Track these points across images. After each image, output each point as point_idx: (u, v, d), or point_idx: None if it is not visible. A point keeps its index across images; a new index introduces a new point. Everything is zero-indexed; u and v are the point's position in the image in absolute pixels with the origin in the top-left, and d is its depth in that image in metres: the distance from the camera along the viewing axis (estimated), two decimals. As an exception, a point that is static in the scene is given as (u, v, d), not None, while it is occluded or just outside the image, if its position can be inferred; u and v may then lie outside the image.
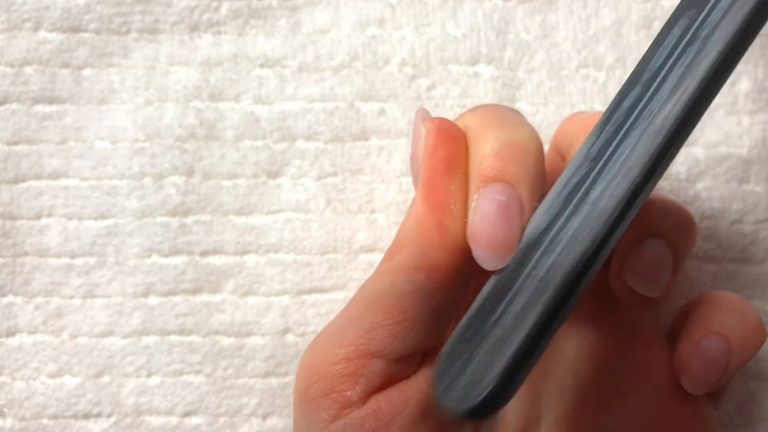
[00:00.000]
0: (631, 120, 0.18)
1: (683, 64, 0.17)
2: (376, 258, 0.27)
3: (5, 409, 0.27)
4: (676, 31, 0.18)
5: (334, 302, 0.27)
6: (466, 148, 0.20)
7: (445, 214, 0.20)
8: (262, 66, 0.28)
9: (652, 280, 0.21)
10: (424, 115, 0.21)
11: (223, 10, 0.28)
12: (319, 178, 0.28)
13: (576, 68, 0.28)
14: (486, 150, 0.20)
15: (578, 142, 0.22)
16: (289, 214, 0.28)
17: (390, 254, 0.21)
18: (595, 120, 0.22)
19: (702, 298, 0.24)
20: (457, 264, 0.20)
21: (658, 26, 0.28)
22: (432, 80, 0.28)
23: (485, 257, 0.19)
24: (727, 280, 0.27)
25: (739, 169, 0.28)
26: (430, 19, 0.28)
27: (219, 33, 0.28)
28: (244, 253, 0.27)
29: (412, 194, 0.27)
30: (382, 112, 0.28)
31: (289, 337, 0.27)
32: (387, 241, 0.27)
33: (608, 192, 0.17)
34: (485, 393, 0.17)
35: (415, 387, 0.21)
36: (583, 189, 0.18)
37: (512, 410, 0.23)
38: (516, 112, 0.22)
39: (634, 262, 0.22)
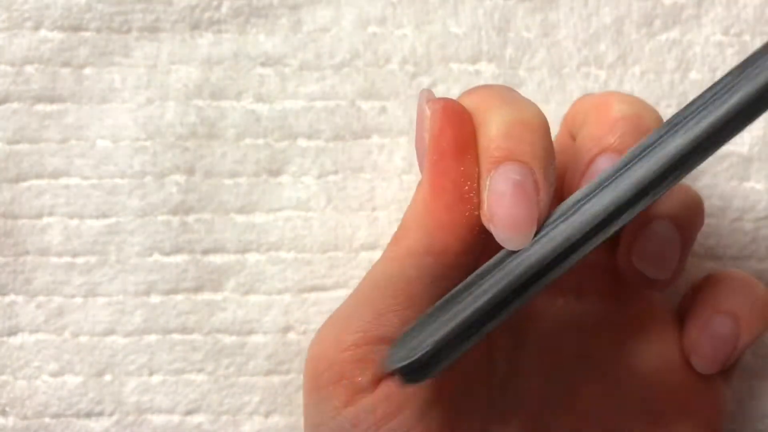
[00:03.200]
0: (643, 153, 0.19)
1: (705, 110, 0.18)
2: (377, 256, 0.27)
3: (7, 408, 0.27)
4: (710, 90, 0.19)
5: (336, 300, 0.27)
6: (474, 129, 0.20)
7: (455, 196, 0.19)
8: (263, 64, 0.28)
9: (659, 263, 0.21)
10: (428, 95, 0.21)
11: (224, 9, 0.28)
12: (320, 176, 0.28)
13: (577, 66, 0.28)
14: (493, 130, 0.19)
15: (588, 120, 0.22)
16: (290, 212, 0.28)
17: (396, 239, 0.21)
18: (604, 100, 0.22)
19: (710, 277, 0.24)
20: (467, 247, 0.19)
21: (658, 24, 0.28)
22: (433, 78, 0.28)
23: (507, 238, 0.19)
24: (727, 277, 0.28)
25: (739, 167, 0.28)
26: (431, 18, 0.28)
27: (220, 31, 0.28)
28: (245, 251, 0.27)
29: (413, 192, 0.27)
30: (383, 110, 0.28)
31: (291, 336, 0.27)
32: (388, 238, 0.27)
33: (595, 205, 0.18)
34: (416, 356, 0.18)
35: None
36: (581, 202, 0.19)
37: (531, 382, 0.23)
38: (515, 91, 0.21)
39: (641, 244, 0.22)
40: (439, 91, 0.28)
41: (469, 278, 0.19)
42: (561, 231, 0.18)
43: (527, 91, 0.28)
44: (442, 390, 0.21)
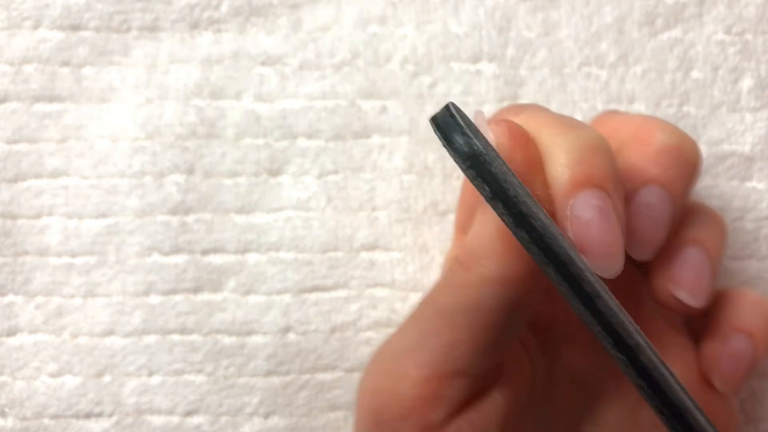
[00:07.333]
0: None
1: None
2: (377, 256, 0.27)
3: (6, 409, 0.27)
4: None
5: (336, 300, 0.27)
6: (539, 152, 0.19)
7: None
8: (262, 64, 0.28)
9: (697, 290, 0.21)
10: (486, 118, 0.20)
11: (224, 8, 0.28)
12: (320, 176, 0.28)
13: (578, 66, 0.28)
14: (563, 157, 0.19)
15: (628, 148, 0.21)
16: (290, 212, 0.27)
17: (464, 266, 0.20)
18: (645, 129, 0.22)
19: (721, 295, 0.24)
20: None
21: (660, 23, 0.28)
22: (434, 78, 0.28)
23: (601, 266, 0.18)
24: (728, 277, 0.27)
25: (741, 167, 0.28)
26: (431, 17, 0.28)
27: (219, 31, 0.28)
28: (245, 251, 0.27)
29: (412, 191, 0.27)
30: (383, 109, 0.28)
31: (291, 336, 0.27)
32: (388, 238, 0.27)
33: None
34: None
35: (493, 407, 0.20)
36: None
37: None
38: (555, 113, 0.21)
39: (678, 272, 0.21)
40: (440, 91, 0.28)
41: None
42: None
43: (528, 91, 0.28)
44: (508, 425, 0.20)
